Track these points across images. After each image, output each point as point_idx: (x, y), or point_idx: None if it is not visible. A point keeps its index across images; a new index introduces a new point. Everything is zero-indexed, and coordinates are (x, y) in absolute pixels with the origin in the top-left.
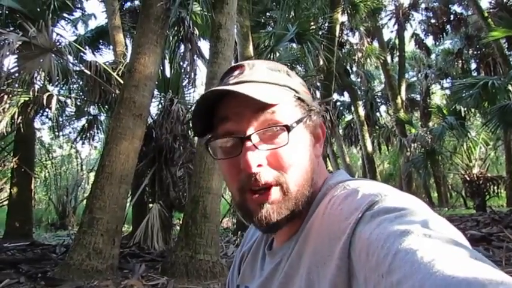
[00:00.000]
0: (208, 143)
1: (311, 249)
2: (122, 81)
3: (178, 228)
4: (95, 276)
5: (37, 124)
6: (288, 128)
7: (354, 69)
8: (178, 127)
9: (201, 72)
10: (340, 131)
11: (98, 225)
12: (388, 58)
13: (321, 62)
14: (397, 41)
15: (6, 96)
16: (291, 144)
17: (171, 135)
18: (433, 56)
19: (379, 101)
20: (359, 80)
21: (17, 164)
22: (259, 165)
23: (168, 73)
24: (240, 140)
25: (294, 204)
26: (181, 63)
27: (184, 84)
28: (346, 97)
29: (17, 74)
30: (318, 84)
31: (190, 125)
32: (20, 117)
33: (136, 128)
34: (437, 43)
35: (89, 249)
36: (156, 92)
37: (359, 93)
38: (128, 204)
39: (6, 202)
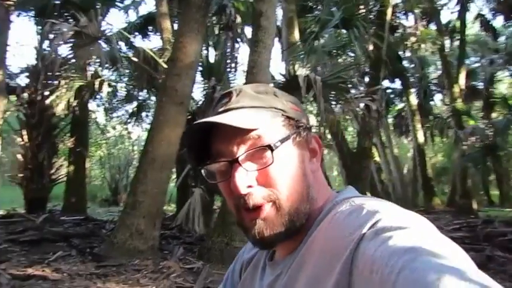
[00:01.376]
0: (204, 167)
1: (312, 263)
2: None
3: None
4: (137, 255)
5: (93, 106)
6: (270, 148)
7: (408, 54)
8: None
9: (244, 59)
10: (390, 120)
11: (140, 208)
12: (447, 42)
13: (370, 48)
14: (457, 23)
15: (63, 82)
16: (278, 162)
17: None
18: (501, 39)
19: (434, 89)
20: (412, 66)
21: (74, 144)
22: (249, 186)
23: (212, 59)
24: (230, 163)
25: (288, 220)
26: (225, 51)
27: (227, 70)
28: (398, 84)
29: (73, 60)
30: (367, 70)
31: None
32: (76, 101)
33: (178, 116)
34: (508, 24)
35: (132, 230)
36: (200, 78)
37: (412, 80)
38: (167, 187)
39: (64, 179)
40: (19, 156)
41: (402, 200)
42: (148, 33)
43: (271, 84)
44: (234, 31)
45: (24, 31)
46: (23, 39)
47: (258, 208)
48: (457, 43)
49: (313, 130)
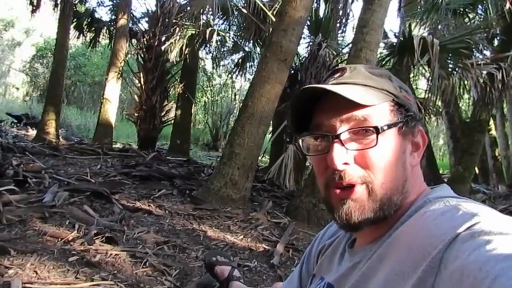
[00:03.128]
0: (302, 139)
1: (395, 257)
2: None
3: None
4: (229, 203)
5: (202, 54)
6: (377, 130)
7: None
8: (324, 72)
9: (355, 18)
10: None
11: (235, 159)
12: None
13: (507, 6)
14: None
15: (178, 29)
16: (380, 147)
17: (315, 80)
18: None
19: None
20: None
21: (182, 90)
22: (345, 163)
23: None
24: (330, 138)
25: (379, 207)
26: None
27: (337, 27)
28: None
29: (188, 9)
30: (498, 31)
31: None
32: (187, 49)
33: (280, 73)
34: None
35: (226, 179)
36: (307, 33)
37: None
38: (263, 142)
39: (172, 121)
40: (135, 97)
41: None
42: None
43: (383, 45)
44: None
45: None
46: None
47: (349, 188)
48: None
49: (422, 96)
